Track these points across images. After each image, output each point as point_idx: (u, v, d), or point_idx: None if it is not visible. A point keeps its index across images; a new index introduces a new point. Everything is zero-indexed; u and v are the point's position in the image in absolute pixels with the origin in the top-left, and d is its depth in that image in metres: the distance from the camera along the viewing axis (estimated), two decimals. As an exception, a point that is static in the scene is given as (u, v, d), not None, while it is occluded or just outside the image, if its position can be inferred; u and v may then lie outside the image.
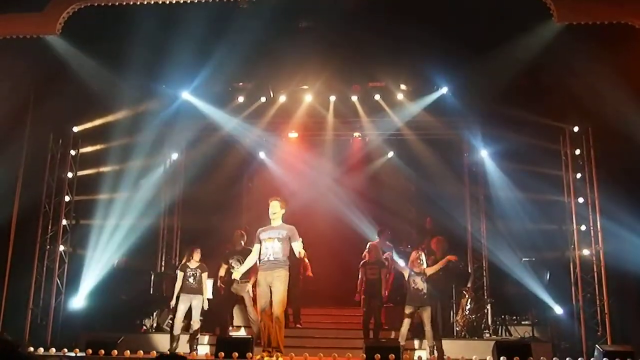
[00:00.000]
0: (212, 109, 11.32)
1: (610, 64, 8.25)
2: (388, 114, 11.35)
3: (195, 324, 8.98)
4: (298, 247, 7.55)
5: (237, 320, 10.25)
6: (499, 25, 8.25)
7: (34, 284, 9.89)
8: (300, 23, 9.11)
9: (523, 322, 10.31)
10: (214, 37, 8.72)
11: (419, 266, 8.81)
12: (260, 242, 7.68)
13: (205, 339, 9.50)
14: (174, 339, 8.86)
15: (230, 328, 9.96)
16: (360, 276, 9.61)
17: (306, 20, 9.09)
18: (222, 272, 9.51)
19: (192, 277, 9.02)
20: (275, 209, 7.67)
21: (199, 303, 9.02)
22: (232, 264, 9.25)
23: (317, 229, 11.17)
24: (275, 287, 7.38)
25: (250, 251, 7.95)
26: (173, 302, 9.02)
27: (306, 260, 9.92)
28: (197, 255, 9.19)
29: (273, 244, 7.52)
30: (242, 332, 9.99)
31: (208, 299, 9.31)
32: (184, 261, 9.28)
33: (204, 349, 9.21)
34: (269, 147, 12.98)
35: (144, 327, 10.47)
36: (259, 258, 7.67)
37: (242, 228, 10.10)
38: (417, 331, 9.05)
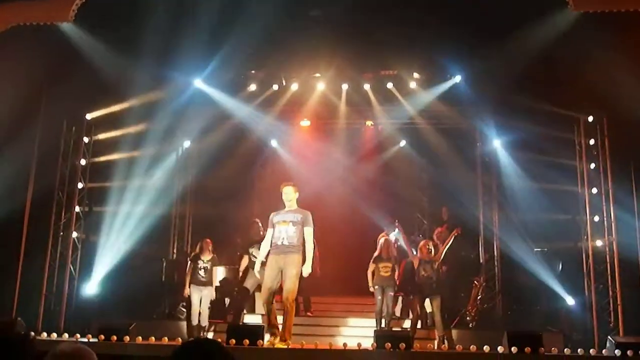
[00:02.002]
0: (224, 96, 11.28)
1: (626, 53, 8.16)
2: (401, 103, 11.24)
3: (204, 312, 9.03)
4: (308, 233, 7.44)
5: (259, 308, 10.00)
6: (513, 12, 8.16)
7: (48, 271, 9.98)
8: (312, 11, 9.05)
9: (535, 313, 10.26)
10: (226, 25, 8.69)
11: (429, 254, 8.79)
12: (273, 226, 7.58)
13: (217, 327, 9.55)
14: (192, 329, 8.92)
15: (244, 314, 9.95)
16: (370, 270, 9.24)
17: (317, 8, 9.03)
18: (244, 263, 9.51)
19: (203, 270, 9.06)
20: (290, 195, 7.57)
21: (209, 293, 9.11)
22: (253, 253, 9.19)
23: (328, 217, 11.13)
24: (287, 272, 7.26)
25: None
26: (187, 292, 9.07)
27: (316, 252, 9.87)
28: (209, 247, 9.23)
29: (287, 227, 7.40)
30: (256, 319, 9.98)
31: (215, 287, 9.38)
32: (196, 252, 9.32)
33: (215, 337, 9.25)
34: (280, 135, 12.92)
35: (156, 314, 10.53)
36: (271, 242, 7.54)
37: (253, 217, 10.07)
38: (427, 321, 9.03)
